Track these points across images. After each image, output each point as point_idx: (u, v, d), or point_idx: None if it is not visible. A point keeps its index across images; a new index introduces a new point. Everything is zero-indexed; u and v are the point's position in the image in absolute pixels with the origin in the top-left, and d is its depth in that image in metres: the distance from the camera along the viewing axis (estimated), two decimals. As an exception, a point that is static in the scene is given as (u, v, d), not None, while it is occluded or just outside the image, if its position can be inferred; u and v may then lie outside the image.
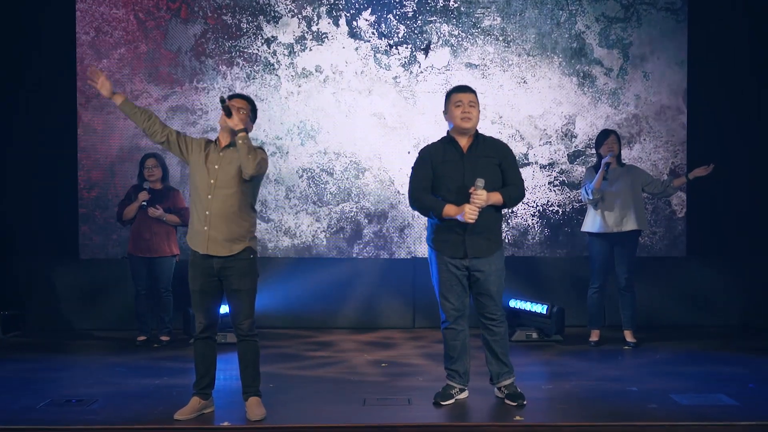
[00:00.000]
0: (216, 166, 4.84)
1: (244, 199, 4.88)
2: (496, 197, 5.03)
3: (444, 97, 5.27)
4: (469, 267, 5.13)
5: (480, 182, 4.92)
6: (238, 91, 7.81)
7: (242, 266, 4.87)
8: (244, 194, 4.87)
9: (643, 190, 7.05)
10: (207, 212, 4.82)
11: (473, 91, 5.18)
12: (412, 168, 5.23)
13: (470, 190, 4.94)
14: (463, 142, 5.15)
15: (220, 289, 4.95)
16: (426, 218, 5.26)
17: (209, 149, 4.92)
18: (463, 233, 5.06)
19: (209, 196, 4.82)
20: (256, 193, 5.01)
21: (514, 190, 5.12)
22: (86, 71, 5.21)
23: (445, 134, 5.26)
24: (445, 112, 5.20)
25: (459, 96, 5.12)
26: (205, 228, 4.82)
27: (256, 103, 5.13)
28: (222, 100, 4.76)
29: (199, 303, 4.93)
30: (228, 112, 4.76)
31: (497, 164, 5.12)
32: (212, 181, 4.82)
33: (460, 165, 5.08)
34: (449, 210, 4.99)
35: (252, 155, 4.73)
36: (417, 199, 5.12)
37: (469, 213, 4.91)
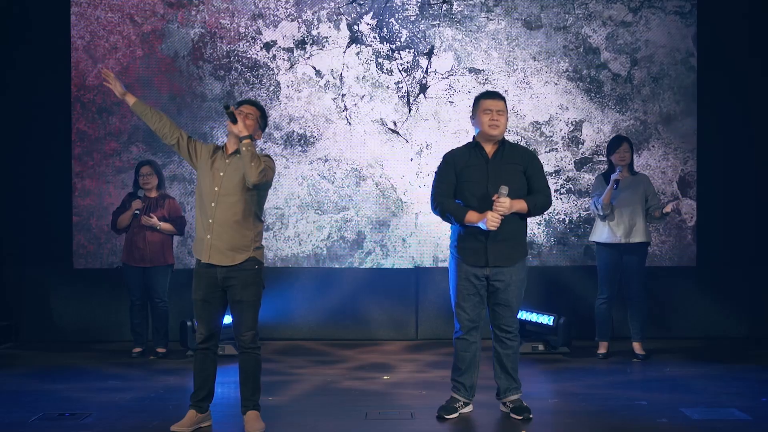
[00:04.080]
0: (221, 173, 4.81)
1: (248, 208, 4.83)
2: (521, 205, 4.99)
3: (473, 102, 5.24)
4: (489, 276, 5.07)
5: (504, 189, 4.89)
6: (237, 96, 7.71)
7: (246, 276, 4.81)
8: (248, 203, 4.82)
9: None
10: (210, 220, 4.78)
11: (503, 98, 5.17)
12: (436, 172, 5.22)
13: (493, 197, 4.91)
14: (489, 148, 5.12)
15: (224, 300, 4.90)
16: (449, 225, 5.22)
17: (216, 156, 4.89)
18: (485, 240, 5.01)
19: (213, 204, 4.78)
20: (262, 203, 4.96)
21: (539, 198, 5.09)
22: (100, 71, 5.21)
23: (470, 139, 5.25)
24: (473, 118, 5.19)
25: (488, 103, 5.10)
26: (208, 236, 4.78)
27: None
28: (226, 107, 4.72)
29: (201, 313, 4.88)
30: (233, 119, 4.72)
31: (522, 171, 5.09)
32: (216, 189, 4.79)
33: (484, 171, 5.05)
34: (471, 216, 4.96)
35: (255, 163, 4.67)
36: (439, 204, 5.10)
37: (491, 220, 4.89)
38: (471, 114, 5.22)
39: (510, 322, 5.15)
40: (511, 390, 5.22)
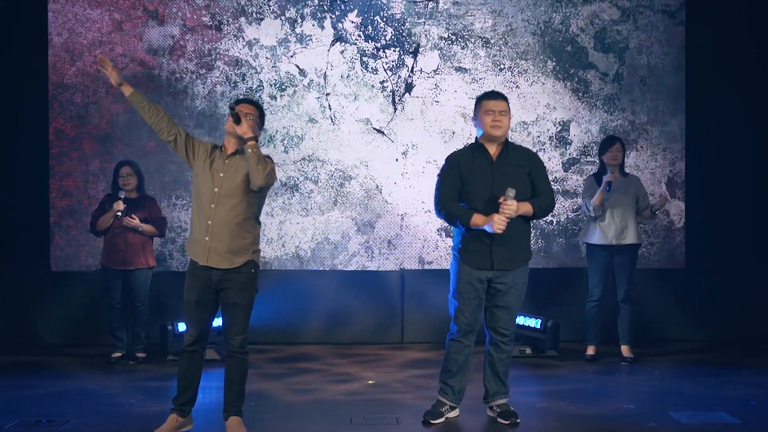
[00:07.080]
0: (221, 174, 4.73)
1: (249, 210, 4.77)
2: (526, 207, 4.95)
3: (474, 103, 5.19)
4: (492, 279, 5.02)
5: (511, 192, 4.84)
6: (218, 95, 7.60)
7: (242, 280, 4.75)
8: (249, 205, 4.76)
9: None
10: (209, 222, 4.70)
11: (505, 99, 5.12)
12: (439, 174, 5.15)
13: (500, 200, 4.86)
14: (493, 149, 5.06)
15: (216, 302, 4.83)
16: (452, 228, 5.18)
17: (214, 155, 4.80)
18: (490, 244, 4.95)
19: (212, 205, 4.70)
20: (261, 204, 4.90)
21: (544, 201, 5.05)
22: (96, 58, 5.11)
23: (473, 141, 5.20)
24: (475, 119, 5.13)
25: (490, 104, 5.04)
26: (207, 238, 4.69)
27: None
28: (231, 107, 4.67)
29: (193, 314, 4.80)
30: (237, 119, 4.66)
31: (527, 173, 5.05)
32: (216, 190, 4.70)
33: (489, 173, 4.99)
34: (477, 219, 4.90)
35: (262, 165, 4.63)
36: (444, 207, 5.02)
37: (497, 223, 4.83)
38: (473, 115, 5.17)
39: (508, 325, 5.11)
40: (499, 394, 5.18)
